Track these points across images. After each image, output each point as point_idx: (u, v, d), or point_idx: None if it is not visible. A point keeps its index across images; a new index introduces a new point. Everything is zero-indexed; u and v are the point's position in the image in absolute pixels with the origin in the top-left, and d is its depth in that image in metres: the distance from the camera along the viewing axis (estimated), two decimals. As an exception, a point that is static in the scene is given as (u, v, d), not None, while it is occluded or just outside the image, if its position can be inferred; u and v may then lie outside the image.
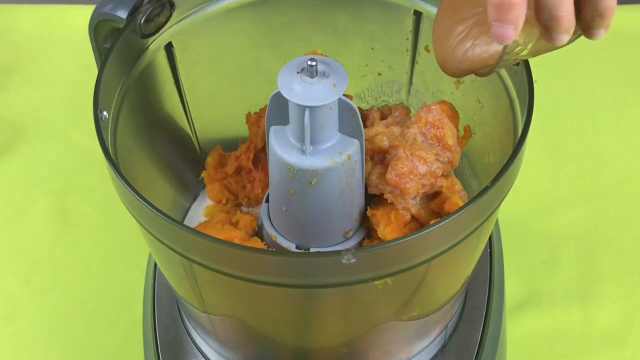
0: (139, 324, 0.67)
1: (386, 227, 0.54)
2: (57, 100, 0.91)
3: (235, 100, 0.66)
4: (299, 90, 0.49)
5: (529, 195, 0.80)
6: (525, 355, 0.70)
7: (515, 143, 0.49)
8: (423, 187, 0.54)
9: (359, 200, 0.55)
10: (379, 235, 0.54)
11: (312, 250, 0.56)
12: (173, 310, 0.64)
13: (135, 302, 0.70)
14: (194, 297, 0.53)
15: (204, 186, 0.67)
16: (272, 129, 0.53)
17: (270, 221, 0.57)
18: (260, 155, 0.63)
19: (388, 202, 0.54)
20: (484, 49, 0.50)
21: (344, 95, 0.49)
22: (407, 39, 0.63)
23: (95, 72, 0.53)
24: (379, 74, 0.66)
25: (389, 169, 0.53)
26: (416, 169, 0.53)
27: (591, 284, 0.74)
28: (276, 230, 0.57)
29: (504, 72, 0.55)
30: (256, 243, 0.58)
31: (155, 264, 0.67)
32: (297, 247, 0.56)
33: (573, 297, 0.73)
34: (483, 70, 0.50)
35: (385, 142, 0.55)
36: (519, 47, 0.46)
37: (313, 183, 0.51)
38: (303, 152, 0.51)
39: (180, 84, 0.63)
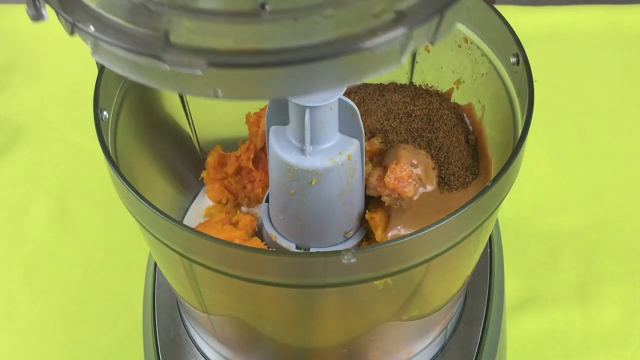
0: (139, 324, 0.67)
1: (384, 231, 0.54)
2: (57, 100, 0.91)
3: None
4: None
5: (529, 195, 0.80)
6: (525, 355, 0.70)
7: (515, 143, 0.49)
8: None
9: (359, 200, 0.55)
10: (377, 240, 0.54)
11: (312, 250, 0.56)
12: (173, 310, 0.64)
13: (135, 302, 0.70)
14: (194, 297, 0.53)
15: (204, 186, 0.67)
16: (272, 129, 0.53)
17: (270, 221, 0.57)
18: (260, 155, 0.63)
19: (386, 205, 0.54)
20: None
21: (344, 95, 0.49)
22: (407, 39, 0.63)
23: (95, 72, 0.53)
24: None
25: (388, 172, 0.53)
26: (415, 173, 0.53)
27: (591, 284, 0.74)
28: (276, 230, 0.57)
29: (504, 72, 0.55)
30: (256, 243, 0.58)
31: (155, 264, 0.67)
32: (297, 247, 0.56)
33: (573, 297, 0.73)
34: None
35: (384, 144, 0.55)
36: None
37: (313, 183, 0.51)
38: (303, 152, 0.51)
39: (181, 84, 0.63)
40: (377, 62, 0.39)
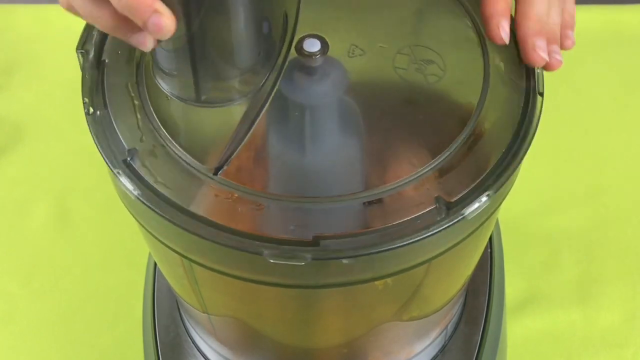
0: (139, 324, 0.67)
1: None
2: (57, 100, 0.91)
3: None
4: (299, 89, 0.49)
5: (529, 195, 0.80)
6: (525, 355, 0.69)
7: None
8: None
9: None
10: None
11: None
12: (173, 310, 0.64)
13: (135, 302, 0.70)
14: (194, 297, 0.53)
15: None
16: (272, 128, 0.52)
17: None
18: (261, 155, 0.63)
19: None
20: None
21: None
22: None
23: (95, 72, 0.53)
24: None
25: None
26: None
27: (591, 284, 0.74)
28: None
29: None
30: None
31: (155, 264, 0.67)
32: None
33: (573, 297, 0.73)
34: None
35: None
36: None
37: (313, 183, 0.51)
38: (303, 152, 0.51)
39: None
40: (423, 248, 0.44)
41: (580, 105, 0.88)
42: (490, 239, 0.68)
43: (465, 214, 0.43)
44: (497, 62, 0.49)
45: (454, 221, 0.42)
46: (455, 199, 0.43)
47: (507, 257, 0.70)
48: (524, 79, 0.49)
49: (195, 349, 0.62)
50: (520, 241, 0.77)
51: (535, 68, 0.49)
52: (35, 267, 0.77)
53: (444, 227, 0.42)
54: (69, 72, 0.94)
